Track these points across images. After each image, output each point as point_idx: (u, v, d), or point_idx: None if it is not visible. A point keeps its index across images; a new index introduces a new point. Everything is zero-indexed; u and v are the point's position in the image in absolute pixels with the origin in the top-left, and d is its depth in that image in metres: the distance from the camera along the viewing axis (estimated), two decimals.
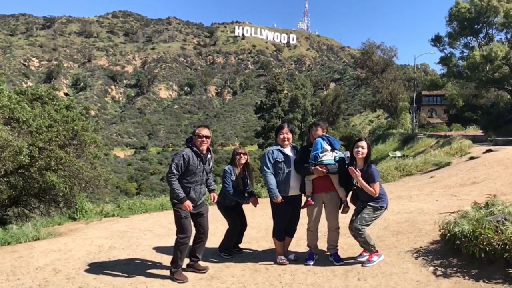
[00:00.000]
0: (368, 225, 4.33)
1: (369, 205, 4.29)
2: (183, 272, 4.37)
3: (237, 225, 5.15)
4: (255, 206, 5.17)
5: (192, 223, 4.42)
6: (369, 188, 4.18)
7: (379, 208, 4.30)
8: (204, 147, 4.31)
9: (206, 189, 4.64)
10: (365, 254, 4.52)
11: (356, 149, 4.31)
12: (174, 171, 4.15)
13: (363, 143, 4.34)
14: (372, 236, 4.51)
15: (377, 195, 4.22)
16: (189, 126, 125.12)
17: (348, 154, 4.58)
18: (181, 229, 4.27)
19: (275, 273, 4.36)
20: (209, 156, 4.44)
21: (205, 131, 4.30)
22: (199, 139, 4.27)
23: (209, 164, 4.48)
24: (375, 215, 4.32)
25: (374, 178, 4.21)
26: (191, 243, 4.48)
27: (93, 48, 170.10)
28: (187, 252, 4.45)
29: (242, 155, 5.12)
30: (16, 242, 6.45)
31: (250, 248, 5.43)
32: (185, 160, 4.17)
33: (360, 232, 4.26)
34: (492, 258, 3.73)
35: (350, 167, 4.26)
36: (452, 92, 48.25)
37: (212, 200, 4.72)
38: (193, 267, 4.54)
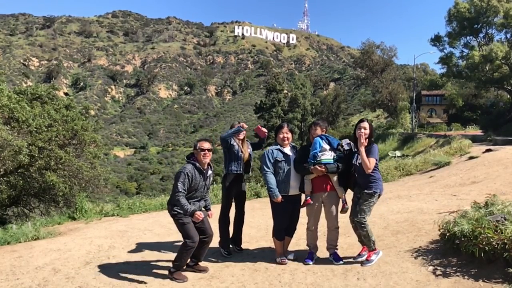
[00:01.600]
0: (368, 214, 4.36)
1: (364, 193, 4.32)
2: (182, 272, 4.37)
3: (228, 210, 5.17)
4: (259, 134, 5.20)
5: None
6: (366, 161, 4.23)
7: (373, 194, 4.31)
8: (207, 160, 4.36)
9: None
10: (363, 253, 4.52)
11: (359, 130, 4.35)
12: (181, 189, 4.20)
13: (365, 124, 4.38)
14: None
15: (370, 171, 4.26)
16: (189, 126, 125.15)
17: (348, 140, 4.61)
18: (187, 235, 4.27)
19: (275, 273, 4.36)
20: (209, 172, 4.49)
21: (206, 145, 4.34)
22: (202, 153, 4.30)
23: (209, 180, 4.54)
24: (371, 203, 4.34)
25: (372, 153, 4.30)
26: None
27: (93, 48, 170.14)
28: None
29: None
30: (15, 241, 6.43)
31: (250, 247, 5.43)
32: (189, 177, 4.23)
33: (363, 225, 4.29)
34: (492, 258, 3.73)
35: (359, 132, 4.32)
36: (451, 92, 48.25)
37: (210, 217, 4.69)
38: (193, 268, 4.54)
